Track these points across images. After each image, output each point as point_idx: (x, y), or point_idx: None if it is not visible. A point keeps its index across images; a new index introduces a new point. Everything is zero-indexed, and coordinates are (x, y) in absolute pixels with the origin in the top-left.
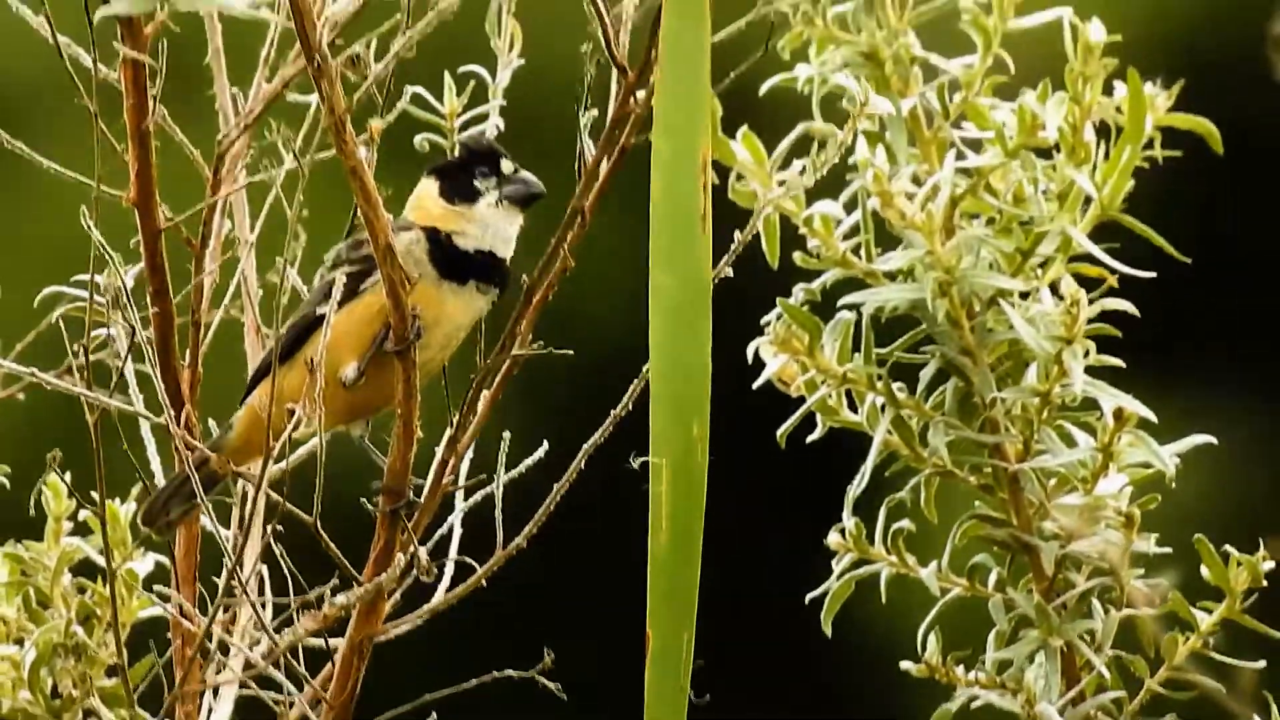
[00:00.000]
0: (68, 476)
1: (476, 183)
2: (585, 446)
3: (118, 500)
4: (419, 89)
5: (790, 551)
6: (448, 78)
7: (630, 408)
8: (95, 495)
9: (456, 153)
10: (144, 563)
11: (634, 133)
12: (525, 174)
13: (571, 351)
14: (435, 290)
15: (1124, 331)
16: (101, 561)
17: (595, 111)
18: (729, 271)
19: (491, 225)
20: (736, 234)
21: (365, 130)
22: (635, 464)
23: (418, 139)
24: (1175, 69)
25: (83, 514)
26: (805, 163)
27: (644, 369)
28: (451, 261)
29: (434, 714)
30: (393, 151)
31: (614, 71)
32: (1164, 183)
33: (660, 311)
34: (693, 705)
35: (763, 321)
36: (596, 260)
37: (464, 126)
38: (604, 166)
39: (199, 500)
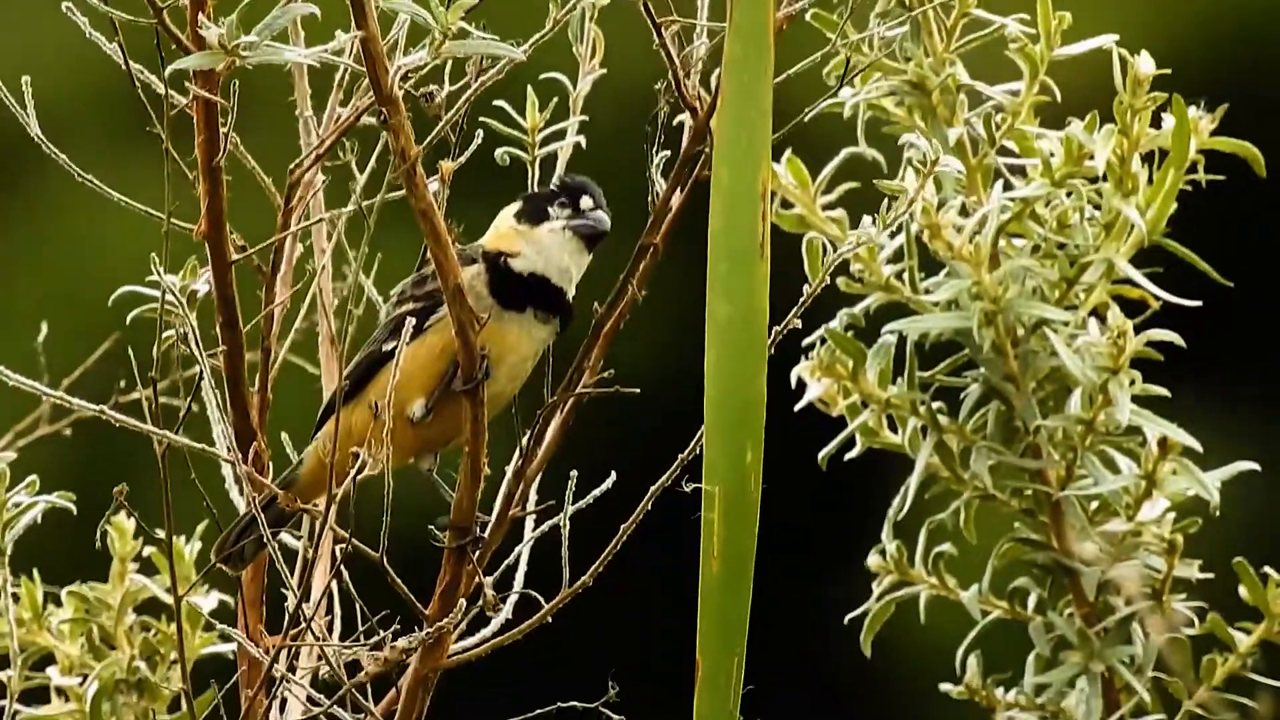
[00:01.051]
0: (134, 515)
1: (550, 209)
2: (653, 489)
3: (183, 538)
4: (502, 103)
5: (818, 574)
6: (530, 92)
7: (672, 427)
8: (160, 531)
9: (554, 184)
10: (208, 600)
11: (704, 169)
12: (599, 213)
13: (638, 390)
14: (497, 324)
15: (1164, 352)
16: (166, 598)
17: (668, 153)
18: (797, 323)
19: (548, 250)
20: (805, 288)
21: (436, 170)
22: (689, 490)
23: (499, 153)
24: (1218, 93)
25: (147, 549)
26: (875, 223)
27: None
28: (507, 286)
29: None
30: (475, 166)
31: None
32: (1204, 205)
33: (716, 340)
34: None
35: (804, 344)
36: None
37: (545, 141)
38: (674, 201)
39: (269, 541)
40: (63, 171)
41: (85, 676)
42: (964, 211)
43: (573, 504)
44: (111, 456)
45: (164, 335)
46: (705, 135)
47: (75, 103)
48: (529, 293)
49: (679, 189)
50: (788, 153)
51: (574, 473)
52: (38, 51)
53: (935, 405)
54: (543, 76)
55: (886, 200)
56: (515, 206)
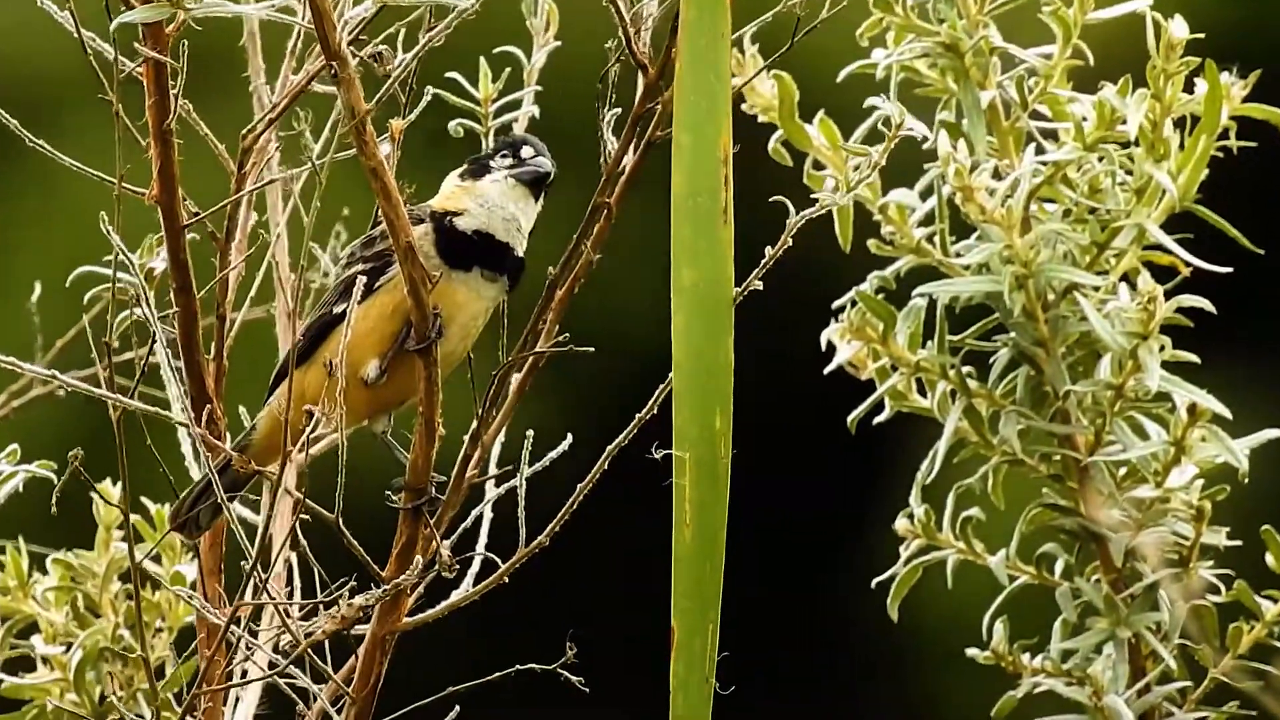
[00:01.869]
0: (117, 487)
1: (492, 163)
2: (609, 448)
3: (166, 505)
4: (455, 75)
5: (845, 538)
6: (483, 63)
7: (642, 392)
8: (140, 498)
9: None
10: (190, 567)
11: (657, 128)
12: (540, 158)
13: (593, 349)
14: (446, 284)
15: (1194, 319)
16: (150, 566)
17: (619, 110)
18: (759, 284)
19: (491, 201)
20: (767, 250)
21: (387, 130)
22: (658, 456)
23: (452, 125)
24: (1251, 58)
25: (133, 517)
26: (877, 150)
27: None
28: (453, 246)
29: (457, 707)
30: (429, 140)
31: (637, 70)
32: (1237, 172)
33: (683, 306)
34: (718, 696)
35: (834, 306)
36: (621, 254)
37: (499, 112)
38: (627, 162)
39: (224, 506)
40: (55, 139)
41: (69, 645)
42: (996, 175)
43: (529, 466)
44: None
45: (117, 299)
46: (657, 93)
47: (49, 71)
48: (475, 252)
49: (631, 147)
50: (820, 114)
51: (529, 432)
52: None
53: (965, 369)
54: (496, 50)
55: (889, 129)
56: (461, 168)
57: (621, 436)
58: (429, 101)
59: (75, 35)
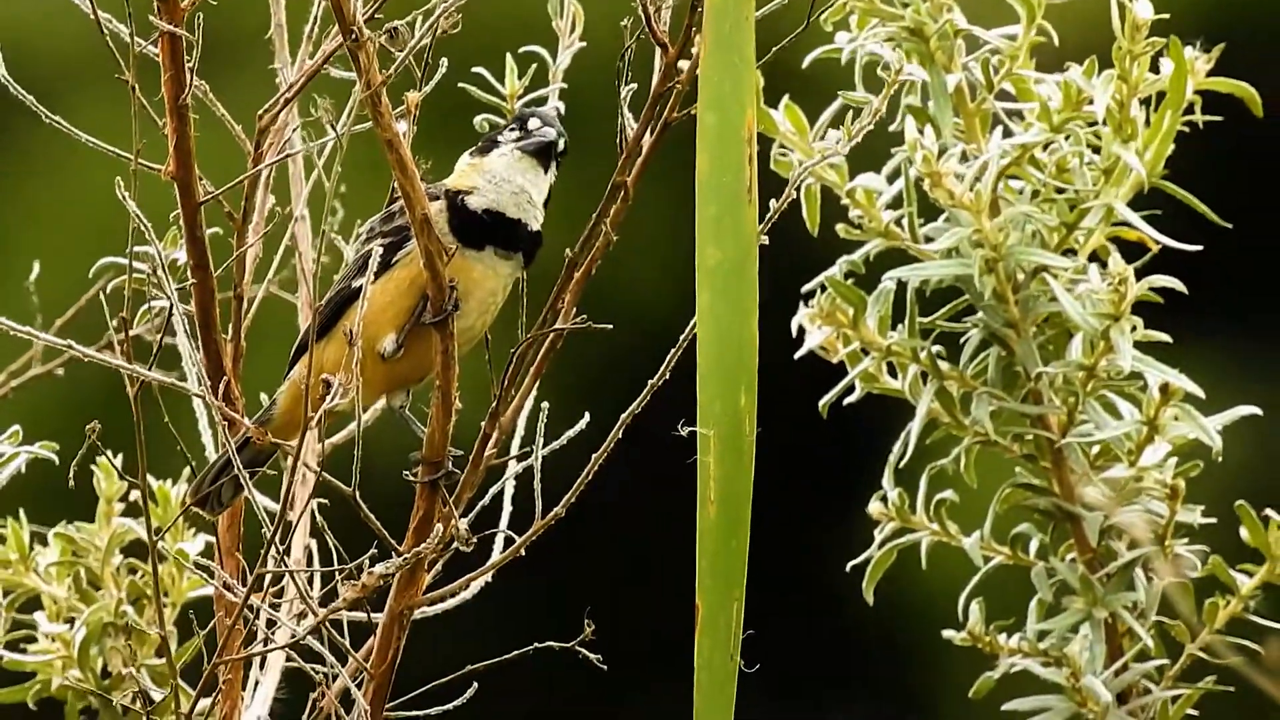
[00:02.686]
0: (119, 458)
1: (500, 138)
2: (623, 417)
3: (169, 481)
4: (480, 70)
5: (820, 522)
6: (509, 59)
7: (668, 376)
8: (147, 476)
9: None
10: (194, 543)
11: (675, 107)
12: (546, 128)
13: (611, 326)
14: (462, 260)
15: (1165, 297)
16: (154, 539)
17: (635, 86)
18: (764, 239)
19: (500, 175)
20: (772, 202)
21: (403, 103)
22: (684, 433)
23: (477, 119)
24: (1214, 34)
25: (135, 494)
26: (840, 132)
27: (681, 338)
28: (464, 225)
29: (475, 685)
30: (449, 132)
31: (656, 48)
32: (1202, 148)
33: (708, 283)
34: (741, 674)
35: (803, 291)
36: (639, 233)
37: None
38: (646, 141)
39: (243, 479)
40: (65, 119)
41: (73, 621)
42: (964, 158)
43: (546, 444)
44: (117, 398)
45: (135, 274)
46: (676, 73)
47: (56, 52)
48: (486, 230)
49: (650, 128)
50: (785, 99)
51: (545, 405)
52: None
53: (936, 350)
54: (522, 50)
55: (850, 112)
56: (474, 147)
57: (635, 404)
58: (451, 85)
59: (90, 14)
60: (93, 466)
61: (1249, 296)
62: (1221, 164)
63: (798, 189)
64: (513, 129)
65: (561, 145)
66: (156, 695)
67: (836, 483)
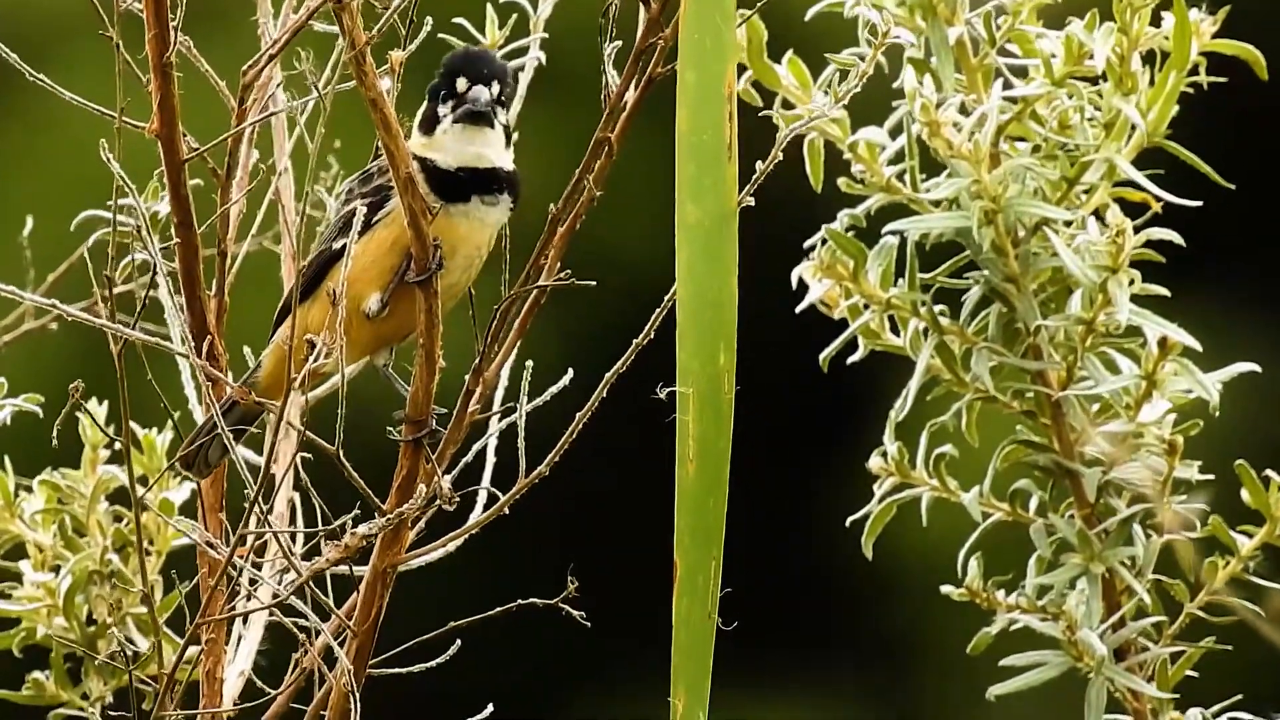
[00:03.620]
0: (104, 406)
1: (439, 109)
2: (607, 376)
3: (154, 430)
4: (460, 20)
5: (820, 476)
6: (489, 8)
7: (653, 336)
8: (134, 428)
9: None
10: (179, 492)
11: (659, 63)
12: (474, 90)
13: (595, 283)
14: (446, 218)
15: (1165, 253)
16: (137, 488)
17: (620, 44)
18: (750, 201)
19: (452, 148)
20: (758, 164)
21: (386, 62)
22: (663, 394)
23: None
24: None
25: (120, 444)
26: (828, 94)
27: (665, 298)
28: (443, 183)
29: (458, 641)
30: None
31: (640, 4)
32: (1205, 107)
33: (687, 241)
34: (720, 632)
35: (805, 245)
36: (628, 190)
37: (505, 59)
38: (629, 97)
39: (228, 440)
40: (49, 77)
41: (58, 568)
42: (964, 110)
43: (530, 400)
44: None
45: (119, 231)
46: (659, 28)
47: (40, 9)
48: (465, 184)
49: (633, 83)
50: (789, 54)
51: (529, 364)
52: None
53: (936, 307)
54: (503, 0)
55: (836, 73)
56: (416, 121)
57: (619, 363)
58: (433, 38)
59: None
60: (79, 415)
61: (1248, 257)
62: (1226, 128)
63: (791, 147)
64: (445, 95)
65: (487, 101)
66: (142, 643)
67: (835, 439)
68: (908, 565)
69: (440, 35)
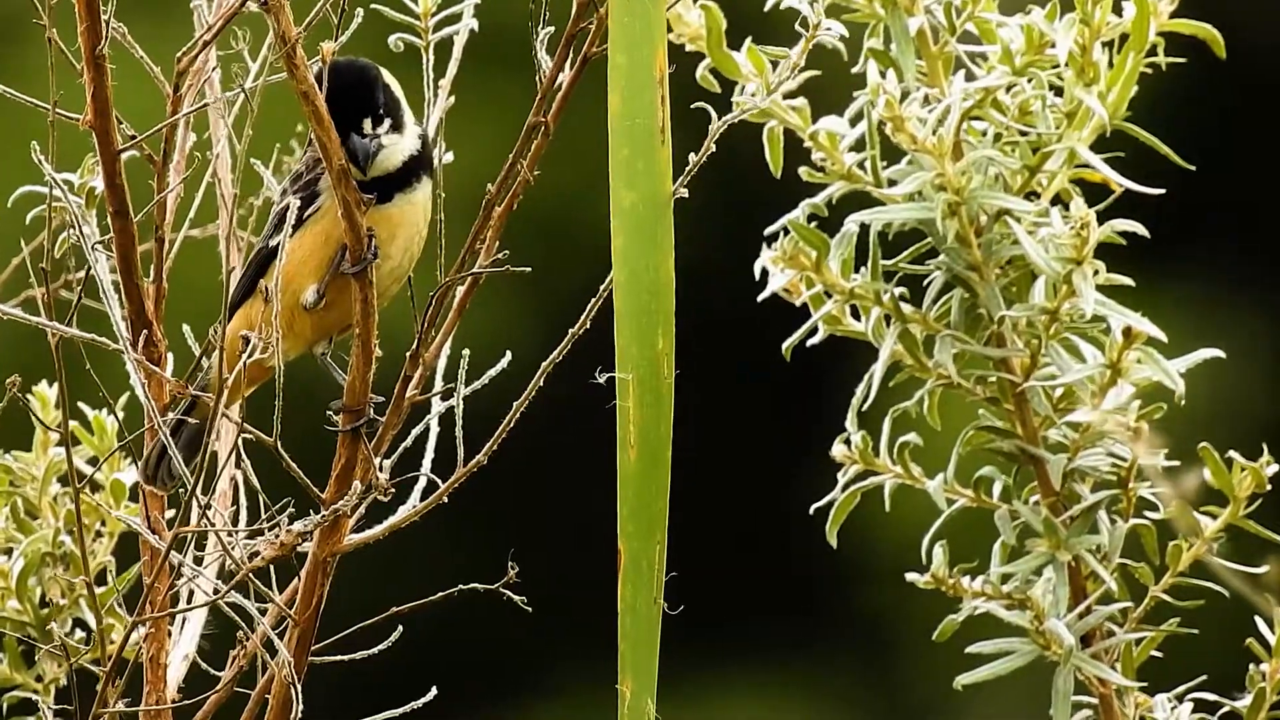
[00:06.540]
0: (54, 388)
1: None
2: (544, 365)
3: (104, 411)
4: None
5: (784, 465)
6: None
7: (589, 325)
8: (83, 410)
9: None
10: (129, 474)
11: (595, 43)
12: (350, 143)
13: (530, 269)
14: (376, 210)
15: (1128, 239)
16: (89, 469)
17: (553, 29)
18: (684, 192)
19: (369, 173)
20: (691, 156)
21: (318, 54)
22: (602, 379)
23: (391, 39)
24: None
25: (72, 425)
26: (758, 83)
27: (602, 286)
28: (367, 192)
29: (400, 627)
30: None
31: None
32: (1163, 89)
33: (622, 226)
34: (667, 617)
35: (766, 234)
36: (586, 174)
37: (438, 27)
38: (564, 79)
39: (170, 448)
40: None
41: (10, 551)
42: (926, 103)
43: (468, 385)
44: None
45: (54, 225)
46: (592, 10)
47: None
48: (388, 188)
49: (566, 65)
50: (748, 41)
51: (465, 351)
52: None
53: (899, 293)
54: None
55: (803, 43)
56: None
57: (556, 352)
58: (369, 22)
59: None
60: (29, 397)
61: (1214, 239)
62: (1190, 107)
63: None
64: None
65: (367, 151)
66: (94, 625)
67: (797, 427)
68: (873, 554)
69: (373, 5)
